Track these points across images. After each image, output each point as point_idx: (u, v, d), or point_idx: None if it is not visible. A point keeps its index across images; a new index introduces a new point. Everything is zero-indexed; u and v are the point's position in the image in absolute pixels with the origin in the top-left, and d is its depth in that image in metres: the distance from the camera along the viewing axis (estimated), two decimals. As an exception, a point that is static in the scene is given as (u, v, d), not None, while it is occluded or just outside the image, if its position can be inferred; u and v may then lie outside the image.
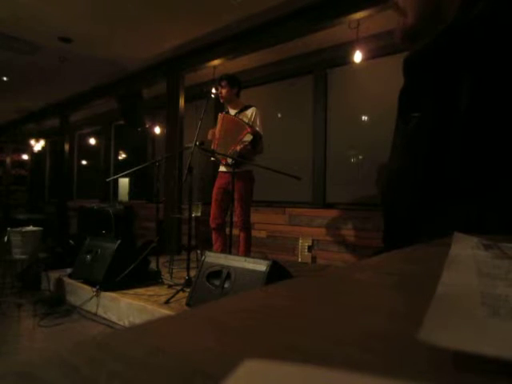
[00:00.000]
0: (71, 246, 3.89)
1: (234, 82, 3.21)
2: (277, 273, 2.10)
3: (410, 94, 0.66)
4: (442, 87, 0.60)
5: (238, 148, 2.99)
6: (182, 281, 2.86)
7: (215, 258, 2.38)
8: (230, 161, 2.98)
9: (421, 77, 0.64)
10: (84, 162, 8.42)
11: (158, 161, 3.34)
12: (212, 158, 3.17)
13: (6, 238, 3.13)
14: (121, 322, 2.70)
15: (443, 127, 0.58)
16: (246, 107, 3.21)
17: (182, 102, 4.73)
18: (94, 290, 2.88)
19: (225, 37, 3.99)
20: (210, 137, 3.22)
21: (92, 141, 7.77)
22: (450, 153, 0.57)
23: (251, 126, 3.05)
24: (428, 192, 0.60)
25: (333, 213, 4.05)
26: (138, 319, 2.58)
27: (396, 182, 0.67)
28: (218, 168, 3.29)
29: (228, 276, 2.23)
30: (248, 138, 3.05)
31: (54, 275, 3.39)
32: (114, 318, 2.75)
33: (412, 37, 0.69)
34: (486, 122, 0.55)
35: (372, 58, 3.77)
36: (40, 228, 3.31)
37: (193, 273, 2.74)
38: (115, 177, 3.81)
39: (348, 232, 3.91)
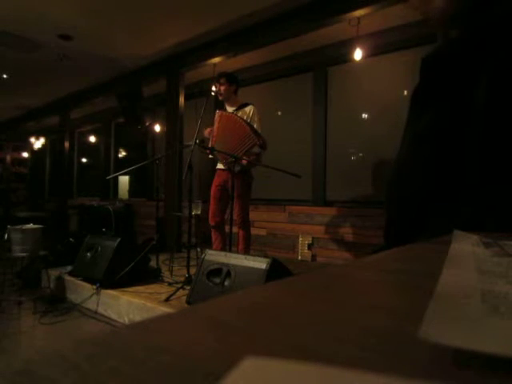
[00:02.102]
0: (71, 244, 3.89)
1: (233, 79, 3.21)
2: (277, 271, 2.11)
3: (426, 92, 0.65)
4: (460, 87, 0.59)
5: (245, 162, 2.98)
6: (182, 279, 2.87)
7: (215, 256, 2.38)
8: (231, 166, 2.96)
9: (439, 77, 0.63)
10: (84, 160, 8.41)
11: (158, 159, 3.35)
12: (210, 156, 3.16)
13: (6, 236, 3.13)
14: (121, 320, 2.71)
15: (457, 126, 0.58)
16: (245, 105, 3.21)
17: (181, 99, 4.73)
18: (94, 287, 2.88)
19: (225, 35, 3.98)
20: (206, 134, 3.22)
21: (92, 139, 7.77)
22: (463, 151, 0.57)
23: (260, 136, 3.02)
24: (435, 189, 0.60)
25: (333, 211, 4.05)
26: (138, 317, 2.59)
27: (402, 177, 0.67)
28: (217, 166, 3.29)
29: (228, 274, 2.24)
30: (256, 149, 3.05)
31: (54, 273, 3.40)
32: (114, 316, 2.76)
33: (446, 21, 0.67)
34: (503, 122, 0.55)
35: (372, 56, 3.76)
36: (40, 226, 3.31)
37: (193, 271, 2.75)
38: (115, 175, 3.82)
39: (348, 230, 3.91)
